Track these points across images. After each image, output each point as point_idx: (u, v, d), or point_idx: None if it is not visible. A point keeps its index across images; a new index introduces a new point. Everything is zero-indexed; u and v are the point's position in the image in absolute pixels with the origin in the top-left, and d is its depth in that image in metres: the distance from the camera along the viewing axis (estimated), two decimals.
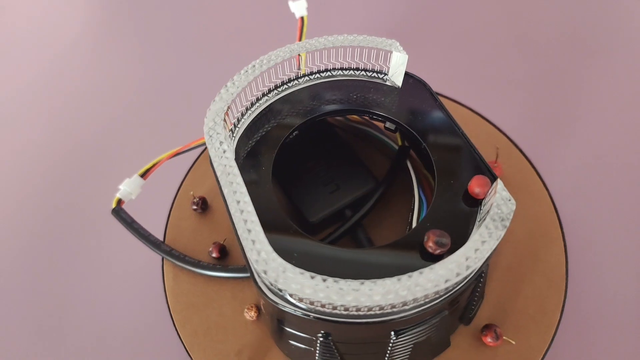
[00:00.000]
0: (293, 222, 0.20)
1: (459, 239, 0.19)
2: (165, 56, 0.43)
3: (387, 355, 0.20)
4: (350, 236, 0.24)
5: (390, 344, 0.19)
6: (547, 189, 0.27)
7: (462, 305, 0.21)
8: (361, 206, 0.24)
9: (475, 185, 0.20)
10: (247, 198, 0.18)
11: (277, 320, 0.20)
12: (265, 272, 0.17)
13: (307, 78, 0.24)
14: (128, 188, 0.26)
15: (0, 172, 0.36)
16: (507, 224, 0.18)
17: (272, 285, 0.18)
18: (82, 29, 0.45)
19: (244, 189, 0.19)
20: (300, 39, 0.32)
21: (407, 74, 0.24)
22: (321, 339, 0.19)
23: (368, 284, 0.17)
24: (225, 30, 0.45)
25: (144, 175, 0.27)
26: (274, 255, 0.17)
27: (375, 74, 0.24)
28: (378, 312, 0.17)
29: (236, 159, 0.21)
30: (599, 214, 0.32)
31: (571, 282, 0.28)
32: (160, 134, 0.37)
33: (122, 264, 0.31)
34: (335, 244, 0.23)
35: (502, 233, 0.18)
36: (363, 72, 0.24)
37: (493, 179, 0.20)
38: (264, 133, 0.22)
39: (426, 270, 0.17)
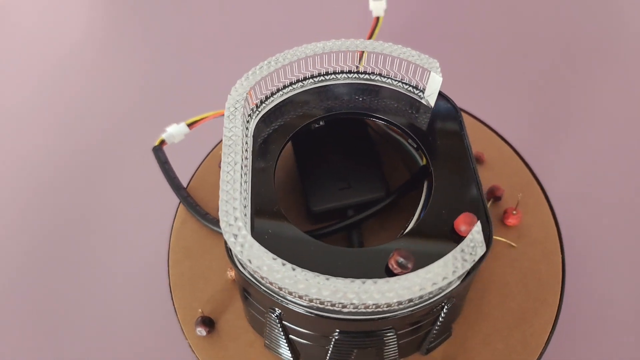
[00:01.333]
0: (304, 206, 0.21)
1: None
2: (170, 57, 0.44)
3: (329, 352, 0.20)
4: (346, 234, 0.25)
5: (333, 342, 0.20)
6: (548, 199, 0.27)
7: (419, 332, 0.21)
8: (364, 210, 0.25)
9: (462, 223, 0.20)
10: (238, 167, 0.20)
11: (240, 284, 0.22)
12: (225, 236, 0.18)
13: (345, 76, 0.25)
14: (173, 132, 0.29)
15: (6, 172, 0.37)
16: (468, 266, 0.18)
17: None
18: (86, 30, 0.46)
19: (239, 157, 0.20)
20: (370, 37, 0.32)
21: (444, 97, 0.24)
22: (272, 314, 0.20)
23: (320, 278, 0.18)
24: (231, 30, 0.45)
25: (190, 125, 0.30)
26: (240, 224, 0.18)
27: (412, 88, 0.24)
28: (327, 307, 0.18)
29: (255, 137, 0.23)
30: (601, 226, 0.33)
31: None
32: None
33: (125, 262, 0.32)
34: (327, 237, 0.25)
35: (461, 272, 0.18)
36: (401, 84, 0.25)
37: (486, 223, 0.20)
38: (287, 119, 0.24)
39: (381, 281, 0.17)
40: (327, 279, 0.18)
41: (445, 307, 0.20)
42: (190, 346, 0.23)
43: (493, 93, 0.39)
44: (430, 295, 0.19)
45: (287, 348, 0.21)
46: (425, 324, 0.21)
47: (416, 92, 0.24)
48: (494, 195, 0.26)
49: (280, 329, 0.21)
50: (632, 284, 0.31)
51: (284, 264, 0.18)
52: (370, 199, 0.25)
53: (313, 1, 0.47)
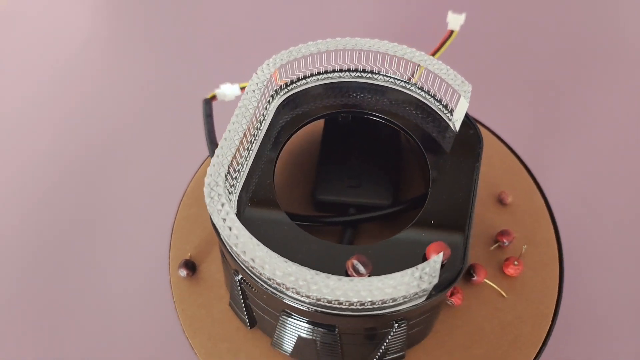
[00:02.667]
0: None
1: None
2: (175, 56, 0.44)
3: (276, 328, 0.21)
4: (341, 229, 0.26)
5: (279, 320, 0.21)
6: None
7: (366, 342, 0.21)
8: (365, 212, 0.25)
9: (432, 250, 0.19)
10: (234, 146, 0.21)
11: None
12: (206, 191, 0.20)
13: (382, 77, 0.25)
14: (226, 91, 0.31)
15: (15, 171, 0.38)
16: (415, 290, 0.18)
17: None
18: (90, 33, 0.46)
19: (237, 137, 0.21)
20: (437, 50, 0.32)
21: (473, 126, 0.23)
22: (235, 277, 0.21)
23: (288, 264, 0.18)
24: (240, 28, 0.45)
25: (242, 88, 0.32)
26: (221, 190, 0.20)
27: (442, 107, 0.24)
28: (275, 285, 0.19)
29: (273, 124, 0.24)
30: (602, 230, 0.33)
31: None
32: (169, 136, 0.39)
33: (130, 261, 0.33)
34: (321, 224, 0.25)
35: (408, 293, 0.18)
36: (434, 100, 0.24)
37: (460, 259, 0.20)
38: (307, 109, 0.24)
39: (334, 278, 0.18)
40: (285, 261, 0.18)
41: (396, 326, 0.20)
42: (170, 283, 0.25)
43: (492, 97, 0.38)
44: (376, 306, 0.19)
45: (245, 312, 0.23)
46: (372, 335, 0.21)
47: (445, 111, 0.24)
48: (503, 240, 0.25)
49: (240, 293, 0.22)
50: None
51: (258, 244, 0.19)
52: (374, 204, 0.25)
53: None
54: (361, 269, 0.19)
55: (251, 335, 0.23)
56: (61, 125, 0.40)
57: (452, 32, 0.31)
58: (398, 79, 0.25)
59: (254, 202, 0.21)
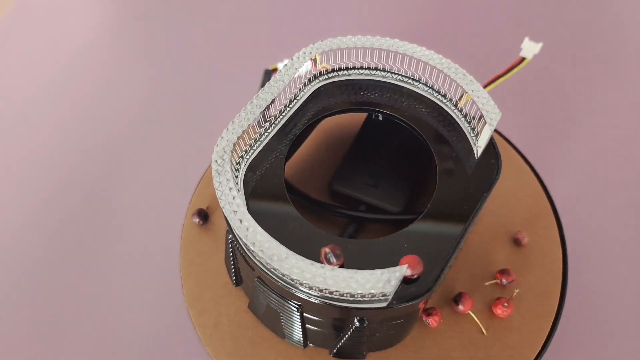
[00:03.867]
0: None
1: None
2: (179, 58, 0.44)
3: (251, 294, 0.23)
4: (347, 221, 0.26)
5: (254, 287, 0.22)
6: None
7: (326, 330, 0.22)
8: (373, 212, 0.26)
9: (404, 263, 0.20)
10: (236, 131, 0.22)
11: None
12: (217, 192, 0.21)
13: (422, 86, 0.25)
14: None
15: (18, 173, 0.38)
16: (378, 294, 0.18)
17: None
18: (95, 33, 0.46)
19: (244, 123, 0.22)
20: (503, 75, 0.31)
21: (495, 154, 0.23)
22: (228, 235, 0.23)
23: (268, 238, 0.19)
24: (245, 29, 0.45)
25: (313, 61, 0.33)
26: (226, 156, 0.21)
27: (470, 130, 0.23)
28: (253, 255, 0.20)
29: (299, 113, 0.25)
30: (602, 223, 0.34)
31: None
32: (173, 135, 0.39)
33: (138, 261, 0.33)
34: (328, 213, 0.26)
35: (360, 292, 0.18)
36: (464, 119, 0.24)
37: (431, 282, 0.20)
38: (333, 102, 0.25)
39: (307, 261, 0.19)
40: (267, 235, 0.20)
41: (357, 323, 0.21)
42: (182, 227, 0.27)
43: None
44: (339, 297, 0.19)
45: (232, 270, 0.24)
46: (334, 325, 0.21)
47: (472, 134, 0.23)
48: (502, 279, 0.24)
49: (231, 252, 0.23)
50: None
51: (240, 203, 0.20)
52: (384, 208, 0.26)
53: None
54: (332, 259, 0.20)
55: (235, 293, 0.25)
56: (74, 120, 0.40)
57: (523, 59, 0.30)
58: (438, 92, 0.25)
59: (262, 176, 0.23)
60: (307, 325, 0.22)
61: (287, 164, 0.24)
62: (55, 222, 0.35)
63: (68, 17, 0.47)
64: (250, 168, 0.23)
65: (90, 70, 0.43)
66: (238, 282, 0.25)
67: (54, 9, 0.47)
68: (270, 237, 0.19)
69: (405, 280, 0.20)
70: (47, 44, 0.45)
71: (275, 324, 0.23)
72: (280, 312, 0.22)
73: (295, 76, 0.24)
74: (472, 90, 0.23)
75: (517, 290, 0.24)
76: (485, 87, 0.30)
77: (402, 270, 0.19)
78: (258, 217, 0.20)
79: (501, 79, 0.30)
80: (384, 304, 0.20)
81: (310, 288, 0.19)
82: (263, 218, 0.21)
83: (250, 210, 0.22)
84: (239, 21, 0.46)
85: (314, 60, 0.26)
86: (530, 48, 0.29)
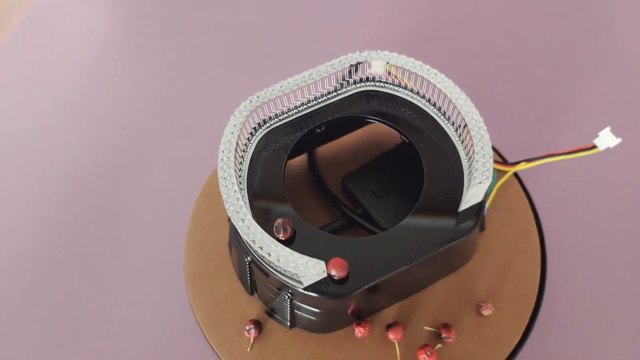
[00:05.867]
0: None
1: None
2: (187, 65, 0.44)
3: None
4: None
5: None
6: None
7: (268, 294, 0.26)
8: (364, 219, 0.28)
9: (331, 267, 0.22)
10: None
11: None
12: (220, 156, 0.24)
13: (432, 108, 0.26)
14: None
15: (32, 179, 0.39)
16: (295, 275, 0.21)
17: None
18: (108, 39, 0.46)
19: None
20: (566, 154, 0.29)
21: (476, 216, 0.23)
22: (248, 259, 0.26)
23: (246, 214, 0.23)
24: (252, 35, 0.45)
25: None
26: (234, 183, 0.24)
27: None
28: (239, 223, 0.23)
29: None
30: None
31: None
32: (180, 142, 0.40)
33: (143, 261, 0.34)
34: (329, 202, 0.29)
35: (293, 271, 0.21)
36: (464, 151, 0.24)
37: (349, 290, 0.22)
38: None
39: (267, 236, 0.22)
40: (276, 244, 0.22)
41: (282, 293, 0.24)
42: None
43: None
44: (273, 267, 0.23)
45: (229, 239, 0.28)
46: (271, 288, 0.25)
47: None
48: (442, 332, 0.25)
49: (230, 224, 0.28)
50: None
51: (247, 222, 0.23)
52: (375, 219, 0.27)
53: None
54: (281, 230, 0.23)
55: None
56: (84, 130, 0.41)
57: (594, 147, 0.28)
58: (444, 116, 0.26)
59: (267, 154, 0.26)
60: (258, 285, 0.26)
61: (326, 145, 0.27)
62: (66, 218, 0.36)
63: (77, 27, 0.48)
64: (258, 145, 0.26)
65: (101, 75, 0.44)
66: (230, 248, 0.29)
67: (63, 18, 0.48)
68: (249, 214, 0.23)
69: (334, 280, 0.22)
70: (57, 51, 0.46)
71: (244, 280, 0.27)
72: (247, 262, 0.26)
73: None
74: (478, 136, 0.24)
75: (440, 345, 0.24)
76: (543, 158, 0.29)
77: (321, 265, 0.21)
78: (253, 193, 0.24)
79: (562, 157, 0.29)
80: (301, 286, 0.22)
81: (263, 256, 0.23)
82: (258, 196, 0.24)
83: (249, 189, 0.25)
84: (247, 32, 0.47)
85: (388, 71, 0.28)
86: (607, 139, 0.27)
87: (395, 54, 0.27)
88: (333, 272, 0.22)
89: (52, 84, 0.44)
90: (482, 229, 0.28)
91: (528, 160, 0.30)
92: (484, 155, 0.23)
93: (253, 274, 0.26)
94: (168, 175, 0.38)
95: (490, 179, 0.22)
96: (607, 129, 0.27)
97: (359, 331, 0.25)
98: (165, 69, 0.44)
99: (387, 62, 0.27)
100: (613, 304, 0.31)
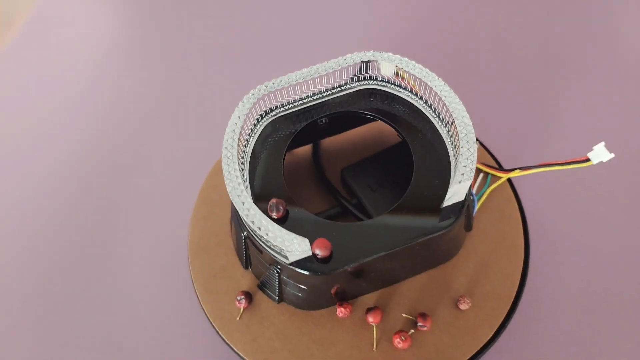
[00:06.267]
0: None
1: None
2: (190, 65, 0.45)
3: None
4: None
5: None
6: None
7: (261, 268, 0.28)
8: (356, 209, 0.29)
9: (316, 246, 0.24)
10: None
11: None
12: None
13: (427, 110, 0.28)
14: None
15: (37, 178, 0.39)
16: (282, 251, 0.23)
17: None
18: (112, 41, 0.47)
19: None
20: (559, 164, 0.30)
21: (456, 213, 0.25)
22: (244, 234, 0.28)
23: (263, 219, 0.24)
24: (254, 33, 0.46)
25: None
26: (235, 162, 0.26)
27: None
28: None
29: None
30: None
31: None
32: (181, 138, 0.41)
33: (146, 260, 0.35)
34: (327, 191, 0.31)
35: (280, 245, 0.23)
36: (453, 151, 0.26)
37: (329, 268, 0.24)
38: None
39: (260, 213, 0.24)
40: (268, 222, 0.24)
41: (272, 267, 0.26)
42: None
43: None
44: (265, 242, 0.25)
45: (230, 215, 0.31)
46: (263, 263, 0.27)
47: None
48: (419, 320, 0.26)
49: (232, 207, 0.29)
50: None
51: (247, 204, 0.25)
52: (367, 210, 0.29)
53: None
54: (274, 209, 0.25)
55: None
56: (88, 129, 0.42)
57: (587, 160, 0.29)
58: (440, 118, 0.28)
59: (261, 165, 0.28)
60: (252, 260, 0.28)
61: (331, 140, 0.30)
62: (71, 214, 0.37)
63: (82, 28, 0.49)
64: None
65: (105, 77, 0.45)
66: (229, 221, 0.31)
67: (70, 18, 0.50)
68: (245, 189, 0.25)
69: (318, 258, 0.24)
70: (60, 54, 0.47)
71: (240, 255, 0.29)
72: (244, 248, 0.28)
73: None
74: (466, 142, 0.25)
75: (413, 330, 0.26)
76: (537, 167, 0.30)
77: (306, 243, 0.23)
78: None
79: (556, 167, 0.30)
80: (287, 261, 0.24)
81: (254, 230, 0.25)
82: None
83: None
84: (248, 32, 0.48)
85: (400, 75, 0.30)
86: (601, 154, 0.28)
87: (398, 56, 0.28)
88: (317, 251, 0.23)
89: (57, 82, 0.45)
90: (469, 228, 0.29)
91: (522, 168, 0.31)
92: (467, 157, 0.24)
93: (248, 249, 0.28)
94: (178, 161, 0.40)
95: (471, 180, 0.24)
96: (602, 144, 0.28)
97: (341, 311, 0.27)
98: (180, 62, 0.46)
99: (397, 66, 0.29)
100: (592, 312, 0.32)
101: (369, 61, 0.29)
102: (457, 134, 0.25)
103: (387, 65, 0.29)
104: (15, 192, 0.39)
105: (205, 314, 0.29)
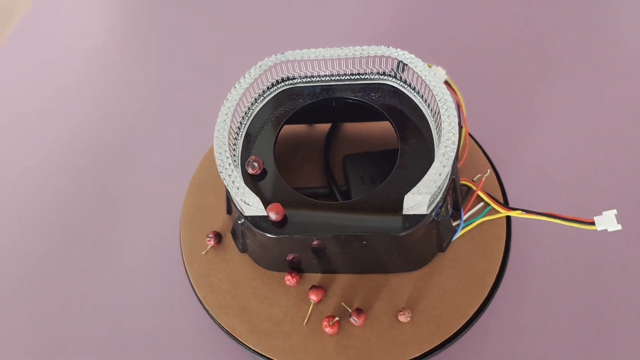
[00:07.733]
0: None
1: None
2: (186, 58, 0.46)
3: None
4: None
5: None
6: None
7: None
8: (343, 197, 0.30)
9: (269, 209, 0.25)
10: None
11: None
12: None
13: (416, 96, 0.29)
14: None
15: (33, 169, 0.41)
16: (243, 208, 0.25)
17: None
18: (108, 33, 0.49)
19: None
20: (565, 219, 0.28)
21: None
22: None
23: (234, 171, 0.26)
24: (243, 33, 0.47)
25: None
26: (226, 149, 0.27)
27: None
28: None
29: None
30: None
31: None
32: (176, 131, 0.41)
33: (141, 254, 0.36)
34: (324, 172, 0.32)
35: (240, 204, 0.25)
36: None
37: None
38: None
39: (240, 178, 0.26)
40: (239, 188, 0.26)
41: (242, 219, 0.28)
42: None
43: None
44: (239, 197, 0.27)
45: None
46: (236, 218, 0.29)
47: None
48: (354, 316, 0.27)
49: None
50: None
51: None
52: (349, 198, 0.30)
53: None
54: (250, 165, 0.27)
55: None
56: (83, 122, 0.43)
57: (592, 223, 0.27)
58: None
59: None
60: (232, 208, 0.30)
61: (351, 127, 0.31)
62: (65, 206, 0.39)
63: (79, 21, 0.51)
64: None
65: (97, 70, 0.47)
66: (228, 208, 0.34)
67: (65, 13, 0.52)
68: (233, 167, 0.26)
69: (273, 221, 0.26)
70: (58, 46, 0.49)
71: (227, 200, 0.31)
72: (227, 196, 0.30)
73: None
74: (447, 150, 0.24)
75: (337, 318, 0.27)
76: (542, 215, 0.29)
77: (260, 203, 0.25)
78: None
79: (559, 221, 0.28)
80: (243, 214, 0.26)
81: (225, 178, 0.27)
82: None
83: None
84: (241, 24, 0.49)
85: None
86: (608, 222, 0.27)
87: (413, 55, 0.29)
88: (270, 214, 0.25)
89: (53, 74, 0.47)
90: (442, 249, 0.29)
91: (526, 211, 0.30)
92: (437, 173, 0.24)
93: (230, 198, 0.30)
94: (166, 157, 0.41)
95: (429, 195, 0.23)
96: (613, 211, 0.26)
97: (288, 279, 0.28)
98: (185, 54, 0.47)
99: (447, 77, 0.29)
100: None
101: (392, 58, 0.29)
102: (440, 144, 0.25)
103: (439, 72, 0.29)
104: (9, 182, 0.41)
105: (179, 243, 0.32)
